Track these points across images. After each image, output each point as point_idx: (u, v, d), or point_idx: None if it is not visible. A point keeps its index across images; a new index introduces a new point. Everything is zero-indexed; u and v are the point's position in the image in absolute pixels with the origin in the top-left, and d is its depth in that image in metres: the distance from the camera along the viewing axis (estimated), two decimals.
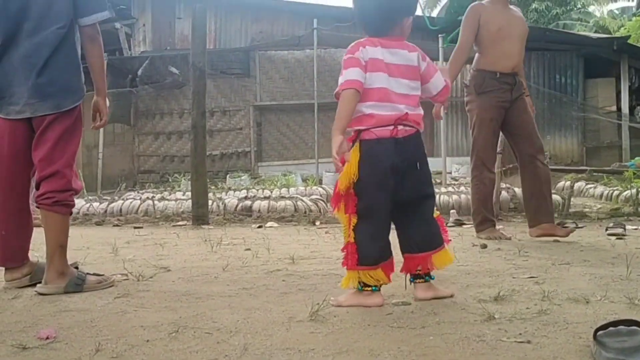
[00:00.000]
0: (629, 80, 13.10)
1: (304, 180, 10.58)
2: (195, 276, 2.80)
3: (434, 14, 24.93)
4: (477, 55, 4.09)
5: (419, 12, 9.61)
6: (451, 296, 2.20)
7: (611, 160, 11.90)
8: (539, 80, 13.09)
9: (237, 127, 13.39)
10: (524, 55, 4.12)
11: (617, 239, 3.91)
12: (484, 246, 3.57)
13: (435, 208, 2.31)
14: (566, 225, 4.84)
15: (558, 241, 3.84)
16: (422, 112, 2.23)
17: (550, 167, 10.86)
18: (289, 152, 13.37)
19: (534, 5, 24.75)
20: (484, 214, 4.06)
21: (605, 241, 3.83)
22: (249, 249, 3.73)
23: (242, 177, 10.78)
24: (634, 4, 26.69)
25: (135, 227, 5.51)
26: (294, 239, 4.27)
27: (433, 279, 2.22)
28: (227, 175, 11.34)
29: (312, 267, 2.97)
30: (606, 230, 4.27)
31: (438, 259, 2.20)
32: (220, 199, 7.31)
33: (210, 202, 6.39)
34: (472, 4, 4.13)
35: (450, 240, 2.42)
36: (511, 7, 4.18)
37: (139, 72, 12.70)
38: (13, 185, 2.55)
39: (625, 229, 4.22)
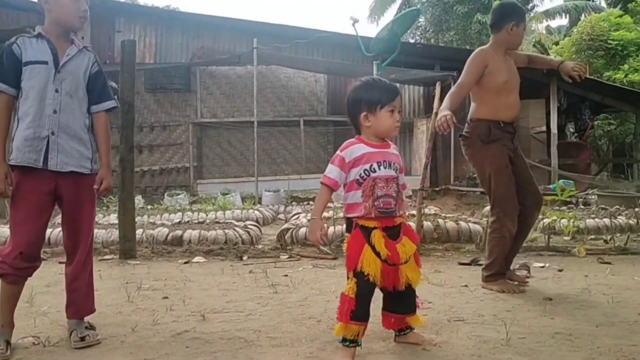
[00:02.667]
0: (558, 102, 13.68)
1: (244, 199, 10.64)
2: (102, 338, 2.86)
3: (383, 21, 25.44)
4: (474, 104, 4.05)
5: (353, 31, 9.78)
6: None
7: (541, 179, 12.42)
8: None
9: (177, 142, 13.35)
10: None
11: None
12: None
13: None
14: (480, 262, 5.11)
15: (466, 286, 4.06)
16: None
17: (480, 190, 11.25)
18: (230, 169, 13.40)
19: (477, 17, 25.48)
20: (500, 268, 3.96)
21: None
22: (166, 297, 3.79)
23: (180, 196, 10.75)
24: (567, 21, 27.81)
25: (60, 262, 5.46)
26: (215, 282, 4.34)
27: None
28: (165, 193, 11.29)
29: (220, 326, 3.06)
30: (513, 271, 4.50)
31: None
32: (152, 224, 7.31)
33: (140, 231, 6.40)
34: (480, 48, 4.07)
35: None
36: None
37: None
38: None
39: (529, 271, 4.46)
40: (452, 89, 4.00)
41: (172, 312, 3.40)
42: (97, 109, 3.00)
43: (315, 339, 2.79)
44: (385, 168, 2.56)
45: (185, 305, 3.56)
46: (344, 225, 2.97)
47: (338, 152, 2.59)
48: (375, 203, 2.51)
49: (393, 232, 2.56)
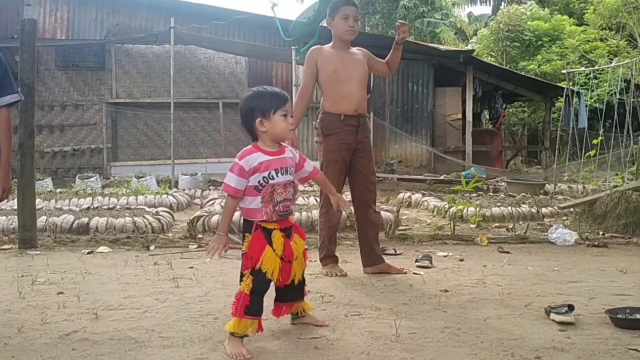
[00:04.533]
0: (474, 90, 14.13)
1: (159, 183, 10.40)
2: None
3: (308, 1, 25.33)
4: (322, 98, 4.27)
5: (271, 14, 9.66)
6: None
7: (456, 165, 12.83)
8: (394, 87, 13.78)
9: (90, 122, 12.86)
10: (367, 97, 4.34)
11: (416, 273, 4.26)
12: None
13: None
14: (387, 251, 5.22)
15: (369, 277, 4.13)
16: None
17: (397, 176, 11.48)
18: (146, 151, 13.05)
19: (402, 2, 25.85)
20: (329, 249, 4.29)
21: (409, 277, 4.15)
22: (61, 293, 3.66)
23: (92, 179, 10.38)
24: (489, 9, 28.66)
25: None
26: (117, 275, 4.23)
27: None
28: (77, 176, 10.86)
29: (113, 325, 2.98)
30: (416, 261, 4.62)
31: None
32: (59, 210, 7.03)
33: (43, 218, 6.14)
34: (312, 48, 4.29)
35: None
36: (354, 49, 4.30)
37: None
38: None
39: (431, 262, 4.59)
40: (296, 96, 4.33)
41: (64, 309, 3.28)
42: None
43: (209, 338, 2.76)
44: (282, 174, 2.71)
45: (80, 301, 3.44)
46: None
47: (236, 160, 2.67)
48: (276, 208, 2.68)
49: (288, 232, 2.75)
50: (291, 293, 2.87)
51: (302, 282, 2.91)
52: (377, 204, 4.68)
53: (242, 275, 2.68)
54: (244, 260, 2.67)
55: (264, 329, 2.71)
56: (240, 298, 2.62)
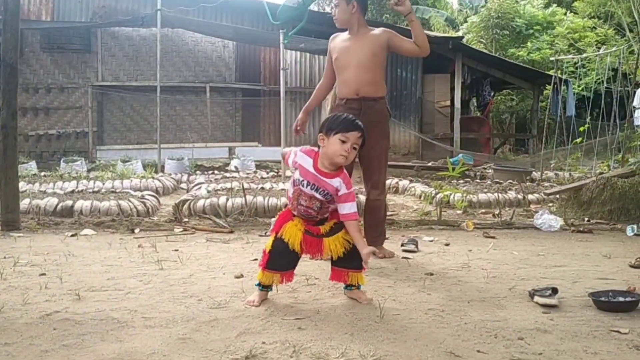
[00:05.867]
0: (462, 77, 14.13)
1: (145, 167, 10.31)
2: None
3: None
4: None
5: None
6: None
7: (444, 152, 12.84)
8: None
9: (76, 105, 12.71)
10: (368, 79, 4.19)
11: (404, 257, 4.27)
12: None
13: None
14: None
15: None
16: None
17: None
18: (132, 135, 12.94)
19: None
20: None
21: (395, 261, 4.15)
22: (44, 274, 3.62)
23: (77, 163, 10.28)
24: None
25: None
26: (101, 257, 4.19)
27: None
28: (62, 160, 10.75)
29: (95, 305, 2.95)
30: (401, 245, 4.62)
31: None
32: (43, 193, 6.96)
33: (27, 201, 6.08)
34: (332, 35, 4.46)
35: None
36: (376, 31, 4.21)
37: None
38: None
39: (417, 246, 4.59)
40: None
41: (46, 290, 3.25)
42: None
43: (192, 319, 2.74)
44: (311, 189, 3.00)
45: (62, 282, 3.41)
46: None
47: (300, 150, 3.07)
48: (298, 207, 3.04)
49: (311, 232, 3.07)
50: (344, 259, 3.05)
51: (357, 252, 3.03)
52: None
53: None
54: (273, 227, 3.19)
55: (292, 280, 3.12)
56: (264, 254, 3.06)
